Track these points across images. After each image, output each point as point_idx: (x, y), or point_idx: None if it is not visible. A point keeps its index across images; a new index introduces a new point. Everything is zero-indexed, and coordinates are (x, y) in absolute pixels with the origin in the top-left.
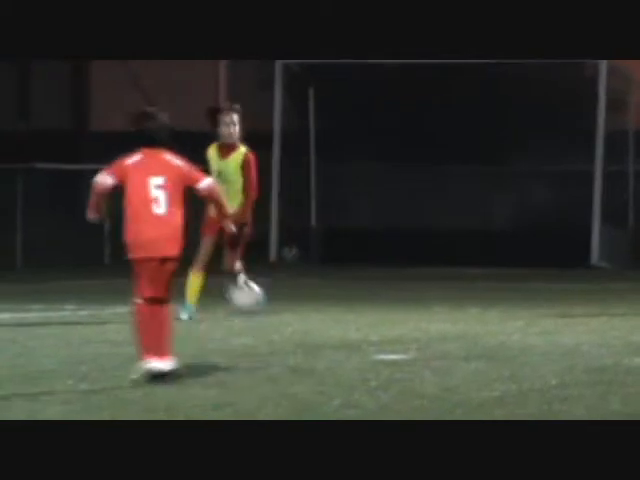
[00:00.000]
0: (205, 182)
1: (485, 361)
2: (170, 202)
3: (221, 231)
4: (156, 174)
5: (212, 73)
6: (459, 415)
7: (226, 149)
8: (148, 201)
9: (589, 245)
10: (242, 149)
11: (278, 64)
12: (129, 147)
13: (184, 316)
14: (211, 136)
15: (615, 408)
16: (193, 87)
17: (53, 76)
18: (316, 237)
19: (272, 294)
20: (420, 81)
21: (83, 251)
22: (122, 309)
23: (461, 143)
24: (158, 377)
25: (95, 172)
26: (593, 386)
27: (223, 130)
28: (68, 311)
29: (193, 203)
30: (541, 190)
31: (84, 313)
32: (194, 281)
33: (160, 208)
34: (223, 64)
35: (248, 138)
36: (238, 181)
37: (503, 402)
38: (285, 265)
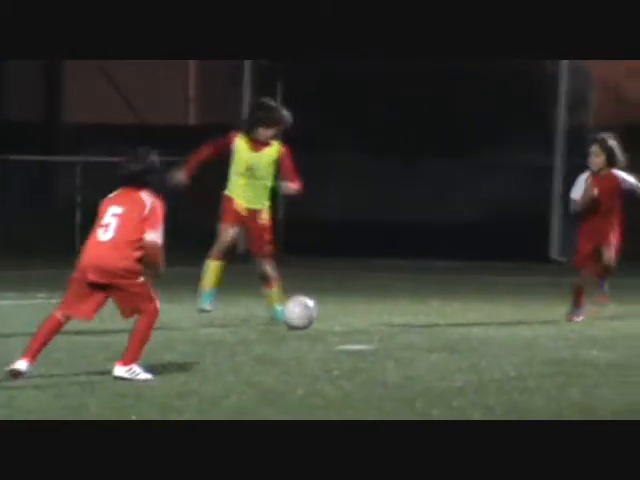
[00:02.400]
0: (151, 236)
1: (446, 352)
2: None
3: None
4: (118, 204)
5: (183, 68)
6: (420, 404)
7: (258, 143)
8: (99, 227)
9: (549, 239)
10: (276, 144)
11: (247, 65)
12: (100, 139)
13: (206, 306)
14: (185, 129)
15: (573, 399)
16: (163, 82)
17: (26, 68)
18: (282, 228)
19: (240, 285)
20: (388, 77)
21: (55, 240)
22: None
23: (427, 138)
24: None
25: (68, 164)
26: (551, 377)
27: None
28: (40, 299)
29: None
30: (503, 185)
31: (55, 301)
32: (211, 268)
33: (107, 235)
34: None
35: (218, 131)
36: (268, 178)
37: (463, 392)
38: (252, 256)
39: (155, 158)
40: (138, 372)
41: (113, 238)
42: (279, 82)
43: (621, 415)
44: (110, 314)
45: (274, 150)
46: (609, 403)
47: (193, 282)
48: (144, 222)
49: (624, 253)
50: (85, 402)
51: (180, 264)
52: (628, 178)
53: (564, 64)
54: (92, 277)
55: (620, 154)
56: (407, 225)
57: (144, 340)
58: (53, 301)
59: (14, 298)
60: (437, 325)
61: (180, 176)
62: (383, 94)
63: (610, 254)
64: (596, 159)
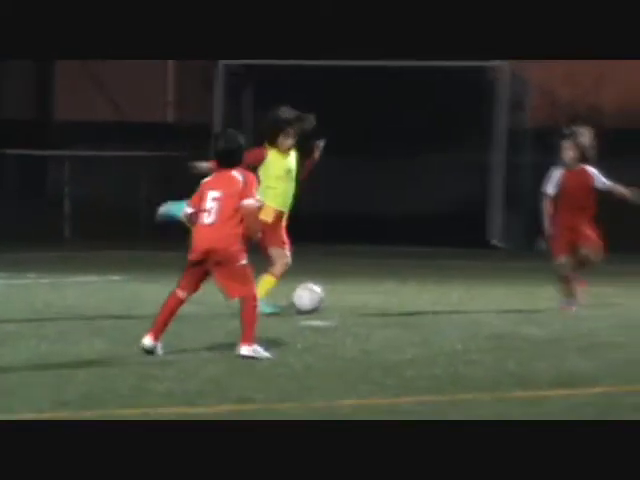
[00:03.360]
0: (248, 201)
1: (399, 328)
2: (221, 213)
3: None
4: (215, 189)
5: (161, 71)
6: (375, 374)
7: (286, 149)
8: (202, 211)
9: (490, 227)
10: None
11: (220, 64)
12: (89, 136)
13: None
14: (163, 127)
15: (511, 370)
16: (145, 83)
17: (18, 68)
18: None
19: None
20: (354, 82)
21: (45, 227)
22: (81, 278)
23: (386, 139)
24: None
25: (57, 158)
26: (493, 351)
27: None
28: (30, 279)
29: None
30: (452, 180)
31: (45, 281)
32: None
33: (210, 218)
34: (171, 63)
35: (193, 129)
36: (296, 177)
37: (414, 363)
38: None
39: (242, 139)
40: (259, 351)
41: (216, 220)
42: (249, 86)
43: (554, 385)
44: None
45: (294, 151)
46: (544, 374)
47: (171, 264)
48: (241, 196)
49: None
50: (75, 373)
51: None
52: (602, 178)
53: (504, 71)
54: (201, 258)
55: (592, 150)
56: (367, 215)
57: (253, 321)
58: (42, 281)
59: (5, 278)
60: (391, 304)
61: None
62: (350, 100)
63: (589, 250)
64: (569, 153)
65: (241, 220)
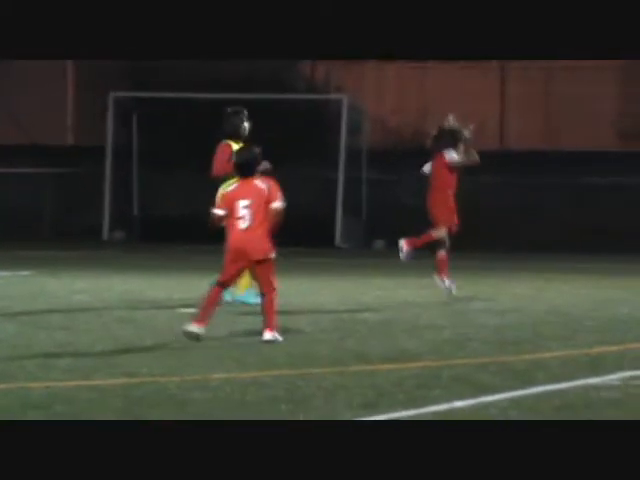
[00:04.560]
0: (276, 204)
1: (258, 314)
2: (254, 219)
3: None
4: (244, 197)
5: (62, 97)
6: (240, 353)
7: None
8: (236, 219)
9: (335, 231)
10: None
11: (111, 96)
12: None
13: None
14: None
15: (350, 348)
16: (48, 108)
17: None
18: (138, 223)
19: (104, 265)
20: (217, 112)
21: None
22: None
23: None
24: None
25: None
26: (334, 332)
27: None
28: None
29: None
30: (305, 191)
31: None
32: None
33: (245, 224)
34: (71, 89)
35: (91, 152)
36: None
37: (272, 343)
38: (114, 244)
39: (259, 151)
40: (277, 336)
41: (250, 225)
42: (135, 114)
43: (385, 360)
44: None
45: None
46: (376, 351)
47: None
48: (267, 202)
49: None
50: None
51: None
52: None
53: (344, 102)
54: (239, 258)
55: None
56: None
57: (273, 311)
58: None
59: None
60: None
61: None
62: (216, 122)
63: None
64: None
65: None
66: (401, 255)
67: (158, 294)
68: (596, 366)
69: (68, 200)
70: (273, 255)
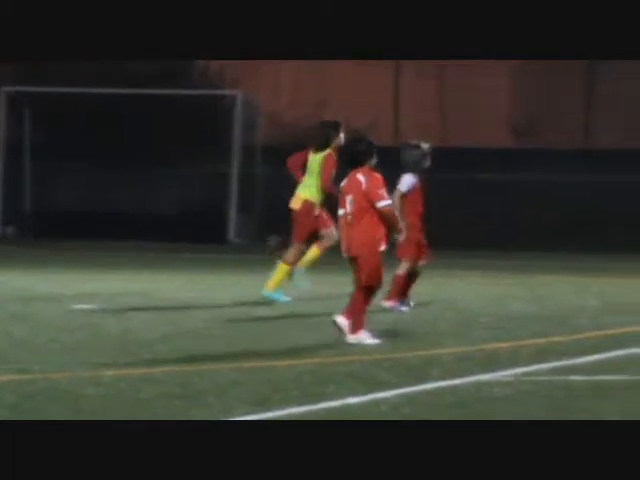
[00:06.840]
0: (380, 204)
1: (154, 311)
2: (354, 215)
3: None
4: (348, 193)
5: None
6: (133, 348)
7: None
8: (345, 214)
9: (229, 227)
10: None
11: (2, 91)
12: None
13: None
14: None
15: (245, 343)
16: None
17: None
18: (30, 218)
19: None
20: (111, 107)
21: None
22: None
23: (140, 151)
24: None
25: None
26: (230, 327)
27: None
28: None
29: None
30: (197, 186)
31: None
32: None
33: (350, 218)
34: None
35: None
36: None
37: (165, 339)
38: (6, 239)
39: (371, 140)
40: (365, 337)
41: (353, 220)
42: (26, 110)
43: (281, 356)
44: None
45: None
46: (273, 346)
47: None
48: (365, 197)
49: None
50: None
51: None
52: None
53: (239, 98)
54: (347, 252)
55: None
56: (123, 216)
57: (358, 309)
58: None
59: None
60: (148, 289)
61: None
62: (108, 121)
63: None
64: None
65: (374, 216)
66: (402, 310)
67: (52, 290)
68: (490, 362)
69: None
70: (379, 250)
